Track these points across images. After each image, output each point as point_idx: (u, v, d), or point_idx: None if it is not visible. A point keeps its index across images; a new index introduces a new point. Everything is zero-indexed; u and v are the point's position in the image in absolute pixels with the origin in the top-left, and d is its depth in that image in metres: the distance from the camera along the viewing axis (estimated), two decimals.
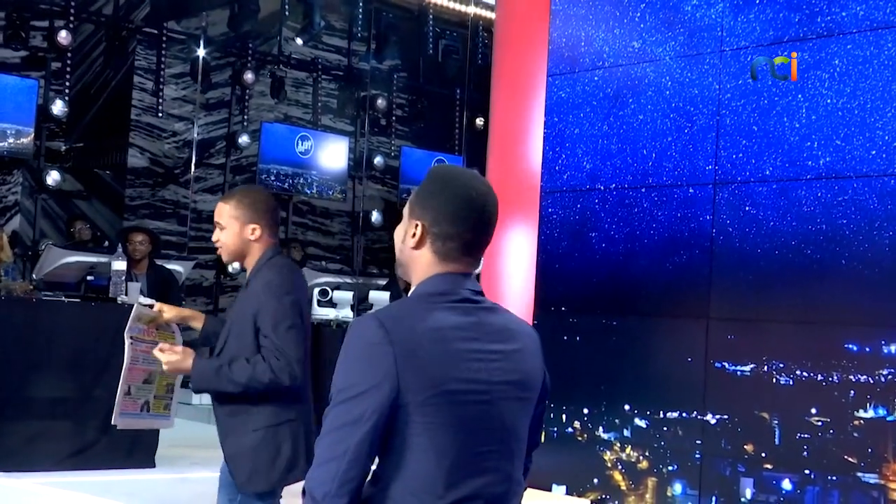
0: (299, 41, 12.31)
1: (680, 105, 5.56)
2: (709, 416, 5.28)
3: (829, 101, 5.03)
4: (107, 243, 9.80)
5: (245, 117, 12.05)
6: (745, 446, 5.14)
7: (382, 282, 9.21)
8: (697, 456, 5.30)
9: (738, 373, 5.19)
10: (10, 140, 10.04)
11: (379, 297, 7.51)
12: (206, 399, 4.69)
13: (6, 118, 9.97)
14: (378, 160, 12.85)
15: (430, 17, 12.84)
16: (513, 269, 6.26)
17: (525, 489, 2.03)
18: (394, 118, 13.26)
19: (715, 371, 5.27)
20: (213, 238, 3.46)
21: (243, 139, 11.77)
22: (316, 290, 7.61)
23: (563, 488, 5.75)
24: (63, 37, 10.33)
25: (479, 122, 12.48)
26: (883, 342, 4.74)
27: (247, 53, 11.93)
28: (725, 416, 5.23)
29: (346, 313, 7.51)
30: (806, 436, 4.94)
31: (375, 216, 12.70)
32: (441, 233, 1.91)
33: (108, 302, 5.65)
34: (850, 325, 4.87)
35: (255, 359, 3.25)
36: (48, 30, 10.48)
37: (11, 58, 10.54)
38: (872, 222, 4.84)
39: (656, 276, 5.57)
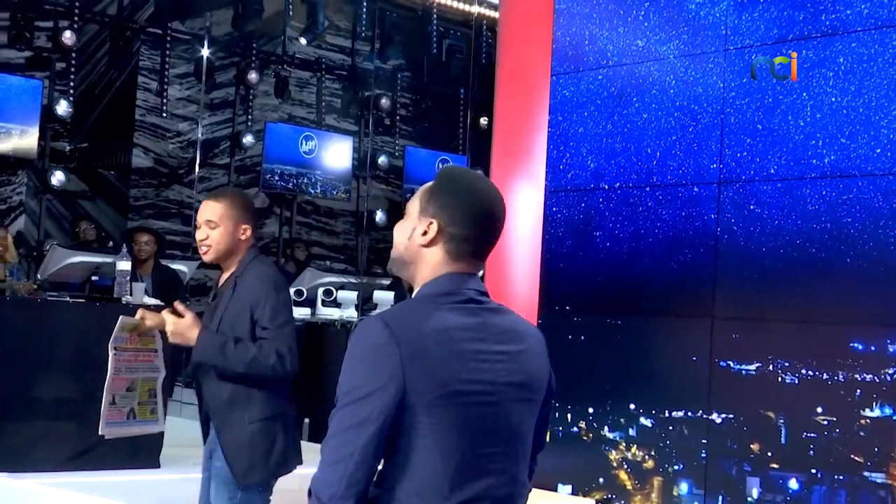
0: (303, 41, 12.32)
1: (684, 104, 5.55)
2: (714, 416, 5.27)
3: (833, 99, 5.01)
4: (111, 243, 9.80)
5: (249, 117, 12.05)
6: (751, 445, 5.13)
7: (387, 281, 9.20)
8: (703, 455, 5.29)
9: (744, 372, 5.18)
10: (15, 140, 10.05)
11: (383, 297, 7.51)
12: None
13: (11, 118, 9.98)
14: (382, 160, 12.85)
15: (434, 16, 12.85)
16: (517, 269, 6.25)
17: (530, 491, 2.02)
18: (398, 118, 13.26)
19: (720, 370, 5.26)
20: (201, 237, 3.39)
21: (247, 139, 11.78)
22: (320, 290, 7.61)
23: (569, 488, 5.75)
24: (67, 37, 10.34)
25: (483, 121, 12.46)
26: (889, 341, 4.73)
27: (251, 53, 11.92)
28: (731, 416, 5.22)
29: (350, 313, 7.52)
30: (812, 435, 4.92)
31: (379, 216, 12.70)
32: (456, 233, 1.92)
33: (113, 302, 5.64)
34: (855, 324, 4.86)
35: (260, 342, 3.25)
36: (52, 30, 10.50)
37: (16, 58, 10.55)
38: (877, 221, 4.82)
39: (661, 275, 5.56)
